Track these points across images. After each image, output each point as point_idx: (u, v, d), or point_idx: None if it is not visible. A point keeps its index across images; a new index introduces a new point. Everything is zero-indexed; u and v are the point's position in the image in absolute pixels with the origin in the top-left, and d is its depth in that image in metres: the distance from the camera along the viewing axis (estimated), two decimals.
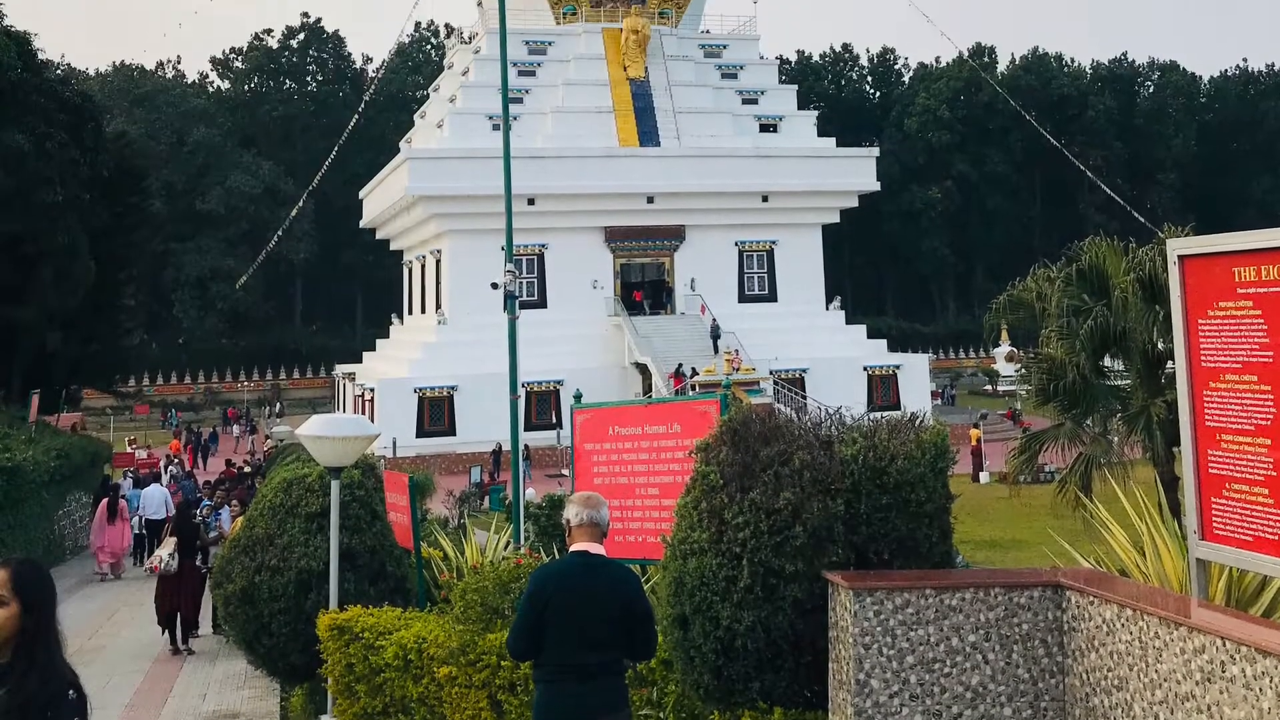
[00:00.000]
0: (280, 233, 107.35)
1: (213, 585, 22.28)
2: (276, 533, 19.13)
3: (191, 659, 27.08)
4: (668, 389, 72.60)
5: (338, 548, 17.28)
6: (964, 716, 9.30)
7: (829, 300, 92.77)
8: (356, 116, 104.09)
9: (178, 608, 27.59)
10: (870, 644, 9.23)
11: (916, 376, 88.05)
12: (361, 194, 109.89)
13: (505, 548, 20.43)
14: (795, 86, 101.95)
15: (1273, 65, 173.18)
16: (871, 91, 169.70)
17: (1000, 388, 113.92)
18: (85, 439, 58.65)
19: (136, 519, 44.45)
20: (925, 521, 10.31)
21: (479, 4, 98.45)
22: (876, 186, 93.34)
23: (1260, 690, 7.26)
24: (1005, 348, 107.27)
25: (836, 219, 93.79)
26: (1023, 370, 46.64)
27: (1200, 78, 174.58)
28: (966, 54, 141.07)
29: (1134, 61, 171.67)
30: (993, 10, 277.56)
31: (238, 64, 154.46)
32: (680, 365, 75.80)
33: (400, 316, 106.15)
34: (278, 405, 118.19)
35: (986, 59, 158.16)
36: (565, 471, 35.97)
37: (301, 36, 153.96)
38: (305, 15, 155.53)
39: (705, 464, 10.62)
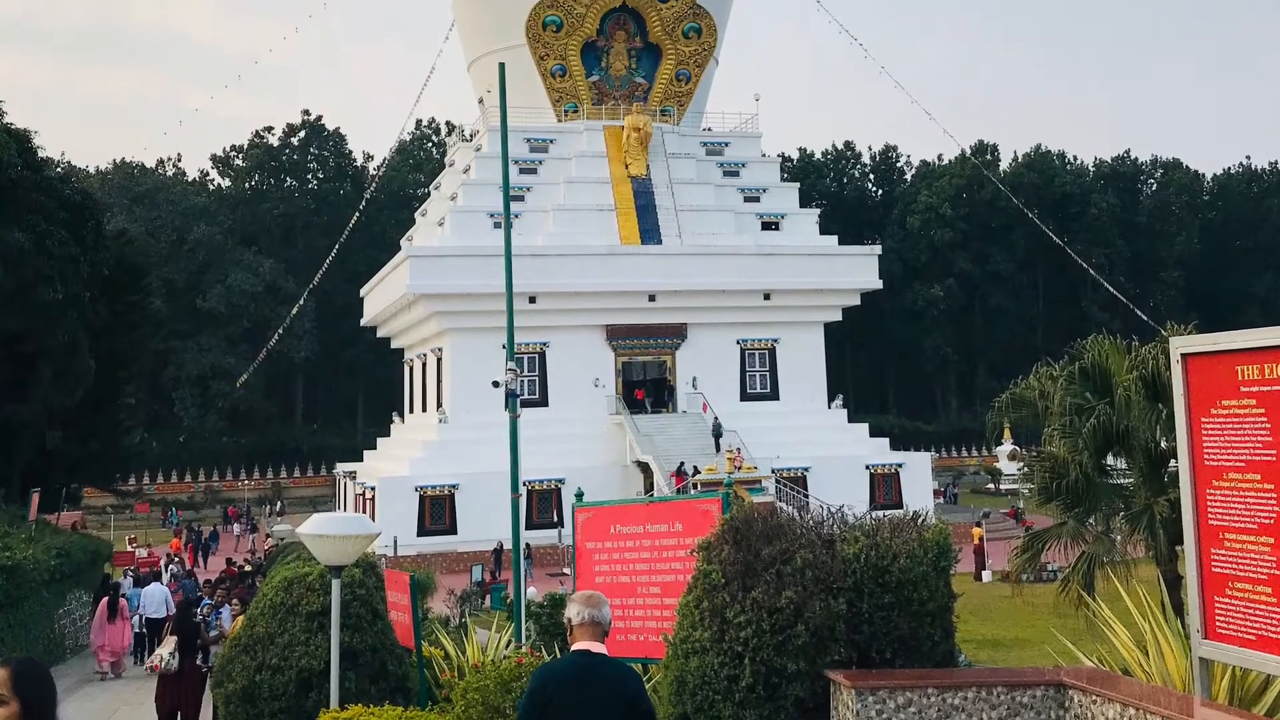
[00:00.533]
0: (281, 331, 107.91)
1: (213, 684, 22.15)
2: (277, 631, 19.07)
3: None
4: (669, 487, 72.37)
5: (339, 646, 17.19)
6: None
7: (831, 398, 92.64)
8: (357, 214, 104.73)
9: (178, 707, 27.40)
10: None
11: (919, 475, 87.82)
12: (362, 292, 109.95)
13: (507, 646, 20.38)
14: (797, 184, 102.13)
15: (1276, 163, 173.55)
16: (874, 189, 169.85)
17: (1003, 486, 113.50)
18: (85, 537, 58.45)
19: (137, 618, 44.25)
20: (928, 620, 10.30)
21: (480, 101, 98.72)
22: (879, 284, 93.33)
23: None
24: (1008, 446, 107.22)
25: (839, 317, 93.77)
26: (1025, 469, 46.41)
27: (1203, 175, 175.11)
28: (969, 151, 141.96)
29: (1137, 159, 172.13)
30: (995, 108, 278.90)
31: (238, 161, 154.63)
32: (682, 464, 75.63)
33: (401, 415, 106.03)
34: (278, 504, 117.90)
35: (989, 156, 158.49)
36: (567, 570, 35.87)
37: (302, 134, 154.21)
38: (306, 113, 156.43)
39: (707, 563, 10.62)
